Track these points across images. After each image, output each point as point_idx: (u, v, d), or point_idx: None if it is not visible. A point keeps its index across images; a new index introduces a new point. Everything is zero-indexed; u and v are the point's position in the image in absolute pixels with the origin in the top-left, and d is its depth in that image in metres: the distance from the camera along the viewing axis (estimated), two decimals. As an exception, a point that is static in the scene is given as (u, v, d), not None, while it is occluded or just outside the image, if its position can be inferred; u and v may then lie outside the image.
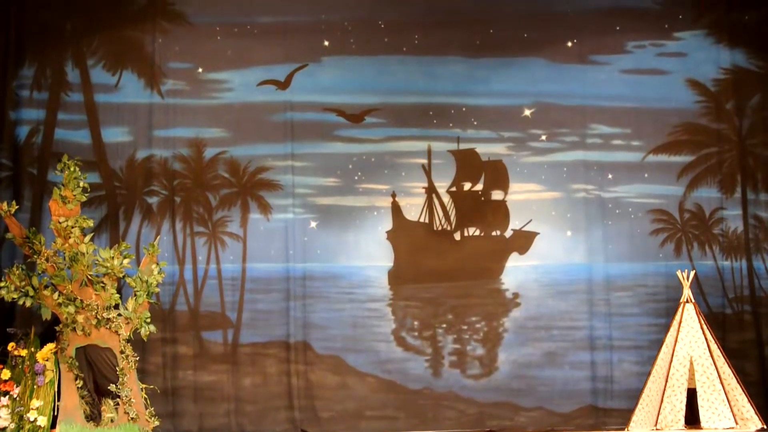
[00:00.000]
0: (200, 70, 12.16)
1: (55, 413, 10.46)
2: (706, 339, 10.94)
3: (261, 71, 12.19)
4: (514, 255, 12.13)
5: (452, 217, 12.21)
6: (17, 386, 10.46)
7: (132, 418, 10.55)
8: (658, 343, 11.27)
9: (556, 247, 12.13)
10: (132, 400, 10.58)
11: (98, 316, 10.62)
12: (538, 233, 12.14)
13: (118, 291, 10.87)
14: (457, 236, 12.21)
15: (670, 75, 12.32)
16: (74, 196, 10.84)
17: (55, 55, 12.04)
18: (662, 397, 10.79)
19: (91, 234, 10.98)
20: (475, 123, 12.27)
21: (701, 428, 10.62)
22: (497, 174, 12.25)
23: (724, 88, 12.30)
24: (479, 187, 12.26)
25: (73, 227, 10.75)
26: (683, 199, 12.19)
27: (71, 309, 10.57)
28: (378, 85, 12.27)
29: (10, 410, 10.39)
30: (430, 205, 12.21)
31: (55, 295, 10.62)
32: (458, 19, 12.34)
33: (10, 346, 10.62)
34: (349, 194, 12.20)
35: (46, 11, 12.04)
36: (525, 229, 12.15)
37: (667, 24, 12.36)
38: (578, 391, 11.85)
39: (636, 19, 12.34)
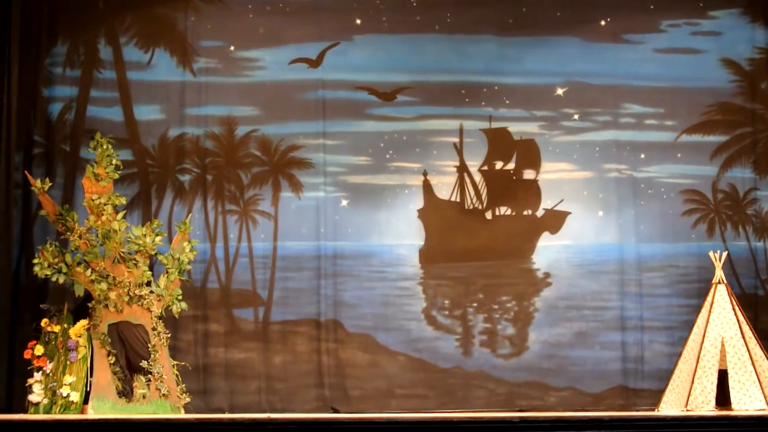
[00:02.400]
0: (232, 48, 12.17)
1: (88, 389, 10.55)
2: (737, 320, 10.87)
3: (293, 49, 12.18)
4: (546, 234, 12.10)
5: (483, 196, 12.18)
6: (50, 362, 10.55)
7: (163, 395, 10.63)
8: (690, 324, 11.21)
9: (588, 227, 12.09)
10: (164, 376, 10.66)
11: (130, 293, 10.70)
12: (570, 213, 12.10)
13: (150, 268, 10.95)
14: (489, 215, 12.19)
15: (705, 54, 12.22)
16: (107, 173, 10.92)
17: (87, 33, 12.08)
18: (693, 378, 10.75)
19: (124, 211, 11.05)
20: (507, 102, 12.23)
21: (732, 410, 10.57)
22: (529, 153, 12.21)
23: (759, 67, 12.19)
24: (511, 166, 12.22)
25: (105, 204, 10.83)
26: (716, 180, 12.11)
27: (104, 286, 10.65)
28: (410, 64, 12.24)
29: (43, 385, 10.49)
30: (461, 184, 12.19)
31: (88, 272, 10.70)
32: (491, -2, 12.31)
33: (44, 322, 10.71)
34: (380, 173, 12.19)
35: (79, -12, 12.10)
36: (557, 208, 12.12)
37: (701, 2, 12.26)
38: (609, 372, 11.82)
39: (670, -3, 12.28)
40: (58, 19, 12.01)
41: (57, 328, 10.67)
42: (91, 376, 10.57)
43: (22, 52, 11.62)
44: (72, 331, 10.63)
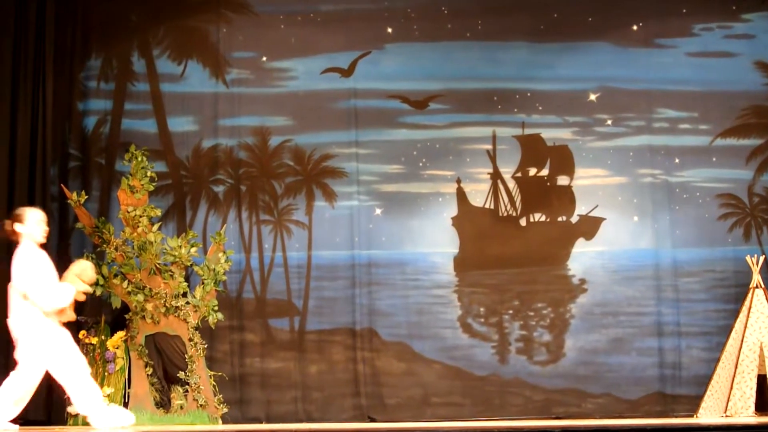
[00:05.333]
0: (264, 59, 12.21)
1: (126, 400, 10.62)
2: (776, 325, 10.82)
3: (325, 59, 12.20)
4: (581, 241, 12.06)
5: (517, 203, 12.16)
6: (89, 374, 10.61)
7: (201, 405, 10.68)
8: (727, 329, 11.16)
9: (623, 232, 12.03)
10: (201, 387, 10.71)
11: (167, 305, 10.76)
12: (605, 219, 12.05)
13: (186, 279, 11.01)
14: (523, 222, 12.16)
15: (738, 57, 12.16)
16: (142, 185, 11.00)
17: (121, 46, 12.15)
18: (732, 383, 10.68)
19: (159, 223, 11.13)
20: (540, 108, 12.20)
21: (772, 415, 10.53)
22: (563, 159, 12.18)
23: (794, 70, 12.15)
24: (545, 172, 12.20)
25: (141, 216, 10.90)
26: (752, 183, 12.04)
27: (140, 297, 10.72)
28: (442, 72, 12.24)
29: (81, 397, 10.54)
30: (495, 191, 12.17)
31: (125, 284, 10.76)
32: (522, 4, 12.28)
33: (81, 334, 10.78)
34: (413, 181, 12.18)
35: (112, 3, 12.14)
36: (591, 214, 12.08)
37: (734, 5, 12.19)
38: (646, 378, 11.76)
39: (703, 1, 12.20)
40: (91, 33, 12.09)
41: (95, 340, 10.74)
42: (129, 388, 10.64)
43: (56, 67, 11.68)
44: (109, 343, 10.70)
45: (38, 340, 9.02)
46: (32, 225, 9.14)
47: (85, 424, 10.43)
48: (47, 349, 9.05)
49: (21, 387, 9.08)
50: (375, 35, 12.23)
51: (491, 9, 12.27)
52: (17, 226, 9.09)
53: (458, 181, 12.15)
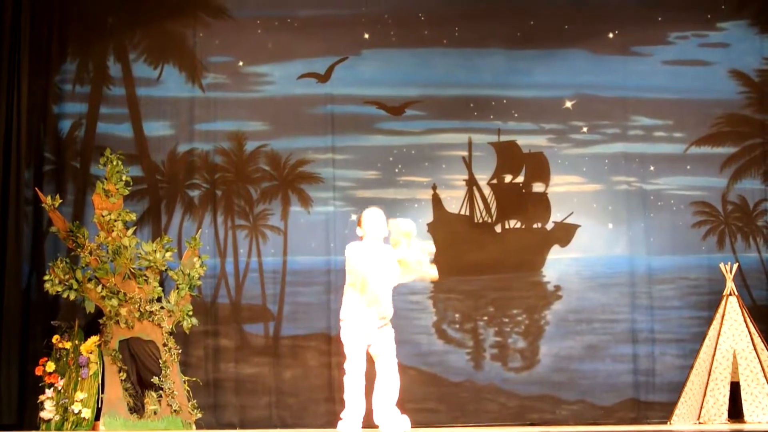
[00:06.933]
0: (241, 63, 12.20)
1: (99, 405, 10.57)
2: (749, 332, 10.86)
3: (301, 64, 12.21)
4: (556, 247, 12.09)
5: (493, 210, 12.18)
6: (62, 378, 10.58)
7: (174, 411, 10.64)
8: (701, 336, 11.21)
9: (598, 239, 12.07)
10: (175, 392, 10.67)
11: (141, 309, 10.72)
12: (580, 226, 12.09)
13: (161, 284, 10.98)
14: (498, 228, 12.18)
15: (713, 66, 12.22)
16: (117, 189, 10.97)
17: (97, 50, 12.13)
18: (705, 390, 10.73)
19: (134, 227, 11.09)
20: (516, 115, 12.23)
21: (744, 422, 10.55)
22: (538, 166, 12.20)
23: (768, 78, 12.21)
24: (520, 179, 12.22)
25: (115, 221, 10.87)
26: (726, 191, 12.10)
27: (114, 302, 10.68)
28: (418, 78, 12.26)
29: (54, 402, 10.51)
30: (470, 198, 12.18)
31: (99, 288, 10.72)
32: (499, 11, 12.31)
33: (55, 338, 10.74)
34: (389, 187, 12.19)
35: (89, 6, 12.13)
36: (566, 221, 12.11)
37: (709, 14, 12.26)
38: (620, 385, 11.80)
39: (678, 9, 12.27)
40: (67, 36, 12.07)
41: (68, 345, 10.69)
42: (102, 393, 10.60)
43: (32, 70, 11.66)
44: (83, 348, 10.65)
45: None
46: (367, 226, 9.38)
47: (58, 428, 10.40)
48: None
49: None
50: (352, 41, 12.24)
51: (468, 16, 12.30)
52: (357, 230, 9.41)
53: (434, 188, 12.16)
